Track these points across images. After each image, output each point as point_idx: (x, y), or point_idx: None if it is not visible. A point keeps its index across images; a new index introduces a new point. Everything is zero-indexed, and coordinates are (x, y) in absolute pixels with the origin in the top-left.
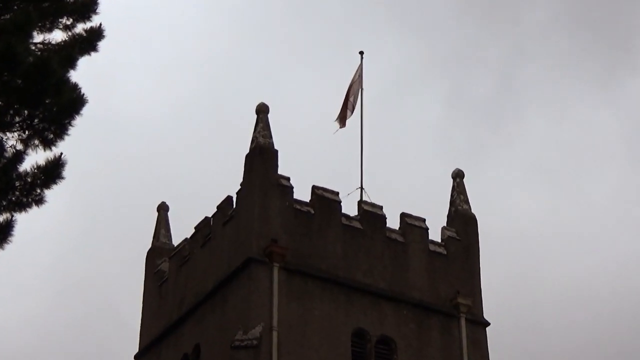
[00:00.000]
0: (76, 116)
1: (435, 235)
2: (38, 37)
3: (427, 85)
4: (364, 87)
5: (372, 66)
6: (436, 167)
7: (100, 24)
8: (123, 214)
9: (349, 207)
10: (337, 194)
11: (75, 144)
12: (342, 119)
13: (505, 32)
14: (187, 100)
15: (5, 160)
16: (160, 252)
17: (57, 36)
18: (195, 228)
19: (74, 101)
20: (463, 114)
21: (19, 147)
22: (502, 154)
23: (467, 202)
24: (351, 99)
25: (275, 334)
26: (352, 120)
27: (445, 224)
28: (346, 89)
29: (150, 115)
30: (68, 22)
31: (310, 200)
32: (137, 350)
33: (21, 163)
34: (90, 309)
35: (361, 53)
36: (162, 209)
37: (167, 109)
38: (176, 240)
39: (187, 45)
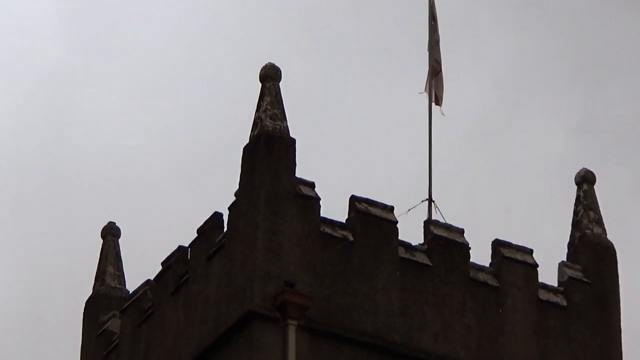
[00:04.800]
0: None
1: (548, 275)
2: None
3: (544, 97)
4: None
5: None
6: (550, 173)
7: None
8: (57, 251)
9: (411, 231)
10: (392, 209)
11: None
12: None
13: None
14: (152, 66)
15: None
16: (107, 303)
17: None
18: (162, 264)
19: None
20: (599, 141)
21: None
22: None
23: (600, 222)
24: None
25: None
26: (417, 95)
27: (564, 259)
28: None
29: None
30: None
31: (347, 220)
32: None
33: None
34: None
35: None
36: (110, 234)
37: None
38: (132, 285)
39: None
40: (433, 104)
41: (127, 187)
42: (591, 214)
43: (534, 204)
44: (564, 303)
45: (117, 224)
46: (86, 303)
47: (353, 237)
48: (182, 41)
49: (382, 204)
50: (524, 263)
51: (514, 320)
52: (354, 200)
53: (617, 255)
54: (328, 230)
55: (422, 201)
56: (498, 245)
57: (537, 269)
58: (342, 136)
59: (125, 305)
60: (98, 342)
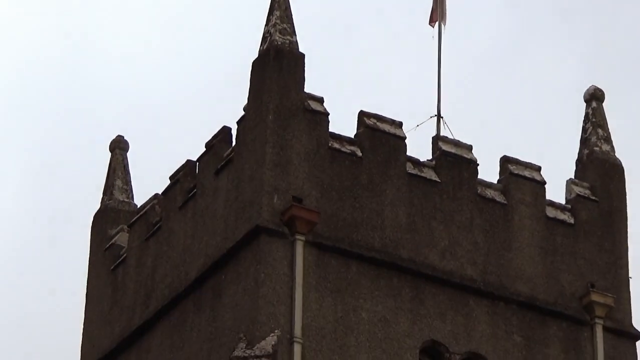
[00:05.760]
0: None
1: (556, 193)
2: None
3: (558, 17)
4: None
5: None
6: (558, 84)
7: None
8: (65, 164)
9: (419, 147)
10: (400, 125)
11: None
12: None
13: None
14: None
15: None
16: (115, 217)
17: None
18: (170, 179)
19: None
20: (611, 60)
21: None
22: None
23: (608, 140)
24: None
25: (297, 347)
26: (427, 11)
27: (572, 176)
28: None
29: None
30: None
31: (356, 135)
32: None
33: None
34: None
35: None
36: (118, 147)
37: None
38: (140, 199)
39: None
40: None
41: (136, 101)
42: (600, 131)
43: (543, 121)
44: (571, 220)
45: (125, 138)
46: (94, 217)
47: (361, 152)
48: None
49: (390, 119)
50: (532, 180)
51: (521, 237)
52: (362, 115)
53: (625, 172)
54: (336, 145)
55: (431, 117)
56: (506, 162)
57: (545, 186)
58: (351, 51)
59: (133, 219)
60: (106, 256)
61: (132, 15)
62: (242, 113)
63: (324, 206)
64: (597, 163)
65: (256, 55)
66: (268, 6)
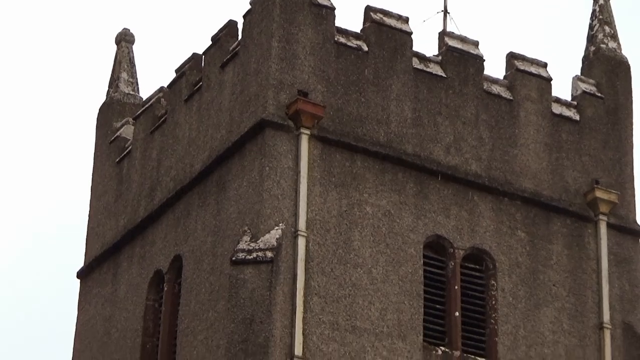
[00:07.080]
0: None
1: (562, 89)
2: None
3: None
4: None
5: None
6: None
7: None
8: (70, 56)
9: (425, 42)
10: (407, 20)
11: None
12: None
13: None
14: None
15: None
16: (120, 109)
17: None
18: (176, 72)
19: None
20: None
21: None
22: None
23: (615, 37)
24: None
25: (302, 241)
26: None
27: (578, 73)
28: None
29: None
30: None
31: (362, 30)
32: (81, 264)
33: None
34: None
35: None
36: (124, 40)
37: None
38: (145, 92)
39: None
40: None
41: None
42: (606, 28)
43: (550, 17)
44: (577, 117)
45: (131, 30)
46: (99, 109)
47: (367, 47)
48: None
49: (397, 14)
50: (538, 76)
51: (527, 133)
52: (369, 10)
53: (631, 70)
54: (342, 39)
55: (438, 12)
56: (512, 58)
57: (551, 82)
58: None
59: (139, 112)
60: (111, 148)
61: None
62: (249, 7)
63: (330, 100)
64: (604, 60)
65: None
66: None
